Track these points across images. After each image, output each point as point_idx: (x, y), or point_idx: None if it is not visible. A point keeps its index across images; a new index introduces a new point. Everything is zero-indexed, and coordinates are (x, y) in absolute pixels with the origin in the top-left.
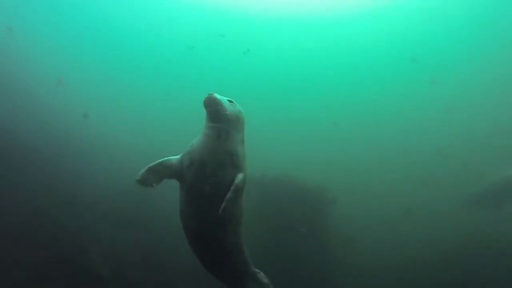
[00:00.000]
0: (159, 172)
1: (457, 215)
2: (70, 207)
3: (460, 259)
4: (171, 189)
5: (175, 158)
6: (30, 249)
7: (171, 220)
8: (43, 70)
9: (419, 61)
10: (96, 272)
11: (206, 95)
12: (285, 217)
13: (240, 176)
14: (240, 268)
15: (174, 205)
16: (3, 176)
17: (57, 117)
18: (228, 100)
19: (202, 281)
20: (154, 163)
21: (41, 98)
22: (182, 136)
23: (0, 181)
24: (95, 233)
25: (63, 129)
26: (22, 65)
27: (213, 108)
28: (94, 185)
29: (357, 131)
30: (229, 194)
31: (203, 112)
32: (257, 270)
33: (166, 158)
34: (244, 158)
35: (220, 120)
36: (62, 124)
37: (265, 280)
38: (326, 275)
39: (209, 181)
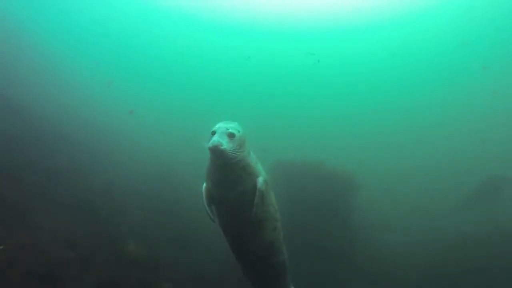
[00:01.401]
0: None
1: None
2: (105, 191)
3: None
4: (196, 176)
5: (204, 187)
6: (69, 229)
7: (198, 204)
8: None
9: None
10: (129, 252)
11: (211, 144)
12: (313, 201)
13: (260, 180)
14: (278, 270)
15: (200, 190)
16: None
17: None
18: (230, 133)
19: (230, 262)
20: (206, 202)
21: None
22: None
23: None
24: (128, 216)
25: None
26: None
27: (217, 158)
28: (126, 171)
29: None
30: (256, 200)
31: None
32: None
33: (204, 192)
34: (256, 163)
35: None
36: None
37: None
38: (352, 259)
39: (234, 194)
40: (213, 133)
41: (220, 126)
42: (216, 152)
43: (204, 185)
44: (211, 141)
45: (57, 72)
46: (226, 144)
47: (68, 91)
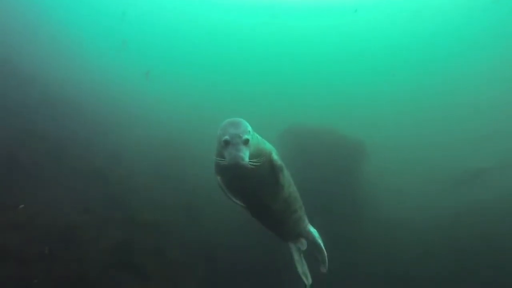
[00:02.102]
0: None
1: None
2: (115, 158)
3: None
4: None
5: (219, 180)
6: (82, 194)
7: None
8: None
9: None
10: (140, 217)
11: (232, 161)
12: (322, 167)
13: (273, 155)
14: (297, 216)
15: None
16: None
17: None
18: (245, 140)
19: (239, 228)
20: (229, 194)
21: None
22: None
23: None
24: (138, 182)
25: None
26: None
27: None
28: (136, 141)
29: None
30: (277, 174)
31: None
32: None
33: (222, 186)
34: (263, 144)
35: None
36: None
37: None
38: (361, 224)
39: (253, 180)
40: (226, 142)
41: (233, 134)
42: (239, 167)
43: (219, 178)
44: (230, 157)
45: (68, 40)
46: (246, 156)
47: (80, 60)
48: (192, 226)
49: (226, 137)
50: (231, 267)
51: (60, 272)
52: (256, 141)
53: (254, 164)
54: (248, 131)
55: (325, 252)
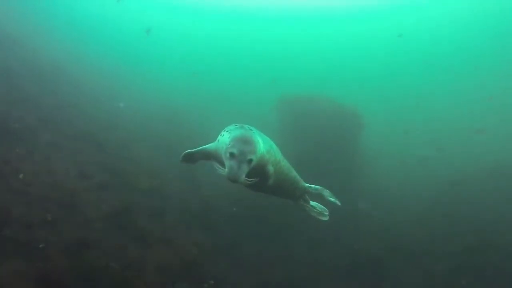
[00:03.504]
0: (197, 157)
1: None
2: (110, 126)
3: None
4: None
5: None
6: (79, 160)
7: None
8: None
9: None
10: (138, 183)
11: (231, 177)
12: (317, 135)
13: (268, 168)
14: (300, 191)
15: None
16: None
17: None
18: (249, 160)
19: (239, 192)
20: (194, 150)
21: None
22: None
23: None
24: (135, 150)
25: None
26: None
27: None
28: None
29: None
30: (266, 181)
31: None
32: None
33: (202, 148)
34: (262, 159)
35: None
36: None
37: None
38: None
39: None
40: (232, 155)
41: (241, 150)
42: (233, 183)
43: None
44: (230, 171)
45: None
46: (244, 175)
47: (69, 27)
48: (191, 191)
49: (234, 150)
50: (231, 230)
51: (62, 237)
52: (259, 160)
53: (250, 181)
54: (255, 152)
55: (328, 191)
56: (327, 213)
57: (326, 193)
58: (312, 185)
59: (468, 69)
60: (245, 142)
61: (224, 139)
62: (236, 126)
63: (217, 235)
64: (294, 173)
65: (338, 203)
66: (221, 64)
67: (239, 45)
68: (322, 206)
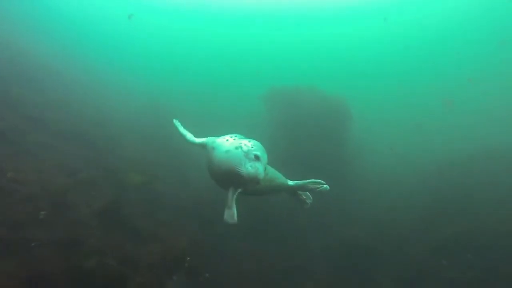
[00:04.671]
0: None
1: None
2: (99, 123)
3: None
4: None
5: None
6: (68, 158)
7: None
8: None
9: None
10: (129, 180)
11: (258, 174)
12: (305, 126)
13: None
14: (284, 189)
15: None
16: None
17: None
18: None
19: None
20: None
21: None
22: None
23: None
24: (125, 146)
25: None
26: None
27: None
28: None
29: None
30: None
31: None
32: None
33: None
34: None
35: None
36: None
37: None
38: (345, 176)
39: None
40: (257, 157)
41: (263, 155)
42: (256, 181)
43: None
44: (255, 170)
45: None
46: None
47: (54, 26)
48: (183, 186)
49: (259, 153)
50: (224, 226)
51: (54, 236)
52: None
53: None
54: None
55: (312, 183)
56: (309, 201)
57: (311, 185)
58: (297, 183)
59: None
60: (263, 149)
61: (236, 143)
62: (241, 135)
63: (211, 229)
64: (279, 179)
65: (327, 187)
66: (208, 61)
67: (230, 44)
68: (308, 194)
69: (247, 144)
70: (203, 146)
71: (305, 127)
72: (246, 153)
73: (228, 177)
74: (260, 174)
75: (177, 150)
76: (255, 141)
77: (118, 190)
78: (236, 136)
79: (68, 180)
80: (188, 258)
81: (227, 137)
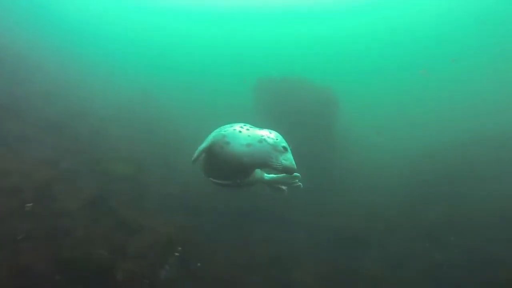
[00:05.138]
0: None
1: None
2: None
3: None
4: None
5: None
6: (50, 150)
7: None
8: None
9: None
10: (114, 170)
11: (293, 165)
12: (293, 115)
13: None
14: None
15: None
16: None
17: None
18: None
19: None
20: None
21: None
22: None
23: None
24: (109, 137)
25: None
26: None
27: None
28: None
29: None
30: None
31: None
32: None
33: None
34: None
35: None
36: None
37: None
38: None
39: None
40: (285, 149)
41: (288, 145)
42: (294, 171)
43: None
44: (290, 162)
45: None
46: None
47: (36, 18)
48: (170, 177)
49: (286, 145)
50: (213, 213)
51: (41, 228)
52: None
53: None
54: None
55: (287, 178)
56: (286, 187)
57: (285, 180)
58: (272, 177)
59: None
60: (282, 137)
61: (256, 137)
62: (246, 123)
63: (200, 219)
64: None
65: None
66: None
67: (218, 37)
68: (282, 187)
69: (270, 136)
70: (211, 146)
71: (292, 116)
72: (274, 146)
73: (244, 170)
74: (295, 165)
75: (164, 140)
76: (273, 131)
77: (104, 181)
78: (244, 124)
79: (52, 172)
80: (180, 248)
81: (236, 127)
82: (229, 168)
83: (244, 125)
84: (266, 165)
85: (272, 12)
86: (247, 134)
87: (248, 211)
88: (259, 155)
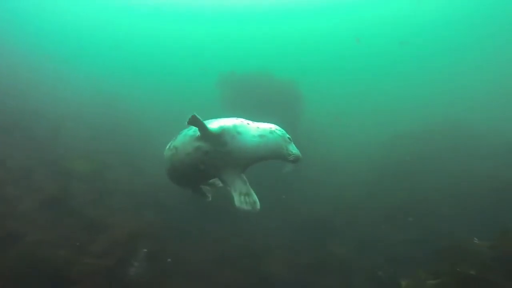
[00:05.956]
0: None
1: None
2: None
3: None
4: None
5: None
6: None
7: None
8: None
9: None
10: (74, 168)
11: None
12: (258, 109)
13: None
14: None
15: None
16: None
17: None
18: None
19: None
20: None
21: None
22: None
23: None
24: (68, 137)
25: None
26: None
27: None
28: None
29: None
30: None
31: None
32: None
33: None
34: None
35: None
36: None
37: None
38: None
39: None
40: (290, 139)
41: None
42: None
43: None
44: (298, 151)
45: None
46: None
47: None
48: (135, 173)
49: (289, 135)
50: (181, 209)
51: None
52: None
53: None
54: None
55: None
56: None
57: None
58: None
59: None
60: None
61: (265, 129)
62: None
63: (169, 215)
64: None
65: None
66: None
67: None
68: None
69: (276, 127)
70: (221, 134)
71: (257, 109)
72: (283, 137)
73: (252, 161)
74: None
75: (128, 139)
76: (274, 124)
77: (65, 180)
78: (243, 119)
79: (7, 173)
80: (145, 250)
81: (239, 120)
82: (233, 161)
83: (242, 118)
84: (279, 156)
85: (239, 11)
86: (256, 126)
87: (216, 206)
88: (272, 145)
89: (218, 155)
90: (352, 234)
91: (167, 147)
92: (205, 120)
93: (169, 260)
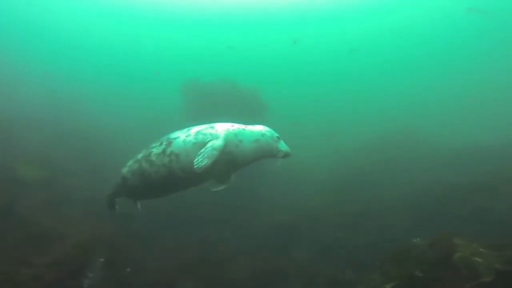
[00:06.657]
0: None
1: None
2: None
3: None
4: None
5: None
6: None
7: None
8: None
9: None
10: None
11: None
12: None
13: None
14: None
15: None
16: None
17: None
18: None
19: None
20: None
21: None
22: None
23: None
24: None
25: None
26: None
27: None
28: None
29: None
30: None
31: None
32: None
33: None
34: None
35: None
36: None
37: None
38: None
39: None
40: (279, 138)
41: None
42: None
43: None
44: (287, 147)
45: None
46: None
47: None
48: (93, 181)
49: (278, 134)
50: (143, 216)
51: None
52: None
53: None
54: None
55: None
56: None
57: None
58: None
59: None
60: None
61: (259, 132)
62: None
63: (128, 224)
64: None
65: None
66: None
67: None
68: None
69: (264, 129)
70: (226, 145)
71: (220, 116)
72: (272, 138)
73: (250, 163)
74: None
75: (88, 145)
76: (262, 125)
77: (14, 187)
78: (233, 123)
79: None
80: (102, 260)
81: (236, 126)
82: (237, 165)
83: (232, 123)
84: (271, 155)
85: (206, 20)
86: (249, 130)
87: (177, 215)
88: (266, 148)
89: (224, 161)
90: (314, 240)
91: (148, 156)
92: (203, 124)
93: (128, 269)
